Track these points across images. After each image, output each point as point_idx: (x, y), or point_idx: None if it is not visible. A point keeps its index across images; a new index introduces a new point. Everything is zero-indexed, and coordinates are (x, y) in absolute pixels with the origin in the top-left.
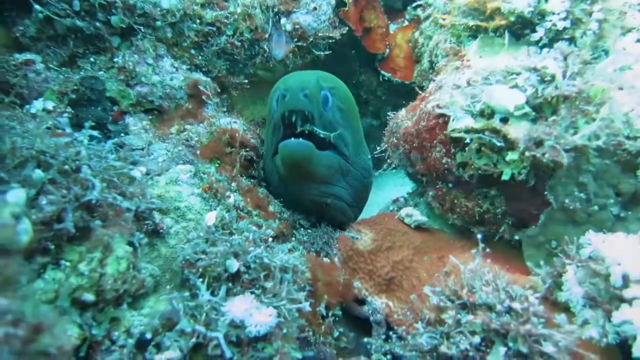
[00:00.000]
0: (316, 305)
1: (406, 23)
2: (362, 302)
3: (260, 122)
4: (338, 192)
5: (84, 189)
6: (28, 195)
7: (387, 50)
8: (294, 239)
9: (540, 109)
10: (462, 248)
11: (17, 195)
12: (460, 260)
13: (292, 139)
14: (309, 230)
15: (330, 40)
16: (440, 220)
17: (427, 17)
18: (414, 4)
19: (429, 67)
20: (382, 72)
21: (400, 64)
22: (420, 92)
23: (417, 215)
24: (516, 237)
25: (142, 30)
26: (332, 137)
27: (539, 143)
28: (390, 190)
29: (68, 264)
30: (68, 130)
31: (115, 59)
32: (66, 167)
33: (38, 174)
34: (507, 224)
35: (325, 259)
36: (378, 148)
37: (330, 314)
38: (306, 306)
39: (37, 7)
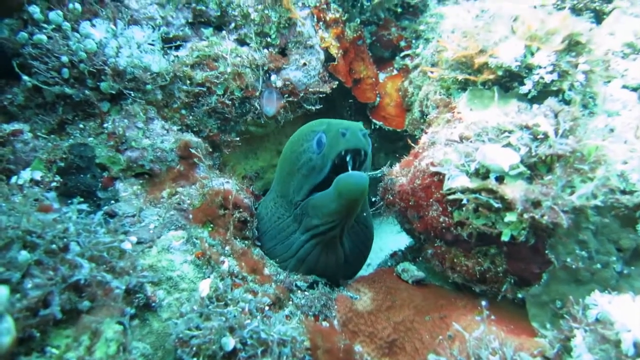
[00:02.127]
0: None
1: (395, 72)
2: None
3: (253, 177)
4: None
5: (72, 269)
6: (12, 281)
7: (378, 99)
8: (290, 303)
9: (535, 168)
10: (465, 307)
11: None
12: (463, 324)
13: (351, 171)
14: (306, 293)
15: (320, 95)
16: (441, 276)
17: (415, 67)
18: (402, 54)
19: (420, 117)
20: (374, 120)
21: (392, 112)
22: (412, 143)
23: (413, 270)
24: (519, 296)
25: (132, 94)
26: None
27: (536, 204)
28: (388, 238)
29: (55, 351)
30: (55, 205)
31: (105, 125)
32: (53, 246)
33: (24, 255)
34: (509, 282)
35: (325, 323)
36: (373, 199)
37: None
38: None
39: (25, 77)
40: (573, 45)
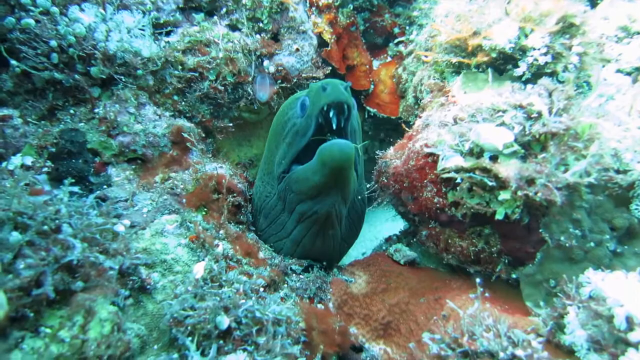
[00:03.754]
0: (312, 357)
1: (389, 59)
2: (359, 349)
3: (247, 164)
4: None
5: (64, 250)
6: (4, 261)
7: (372, 86)
8: (285, 286)
9: (529, 146)
10: (459, 289)
11: None
12: (458, 303)
13: (335, 139)
14: (301, 276)
15: (314, 80)
16: (435, 258)
17: (409, 53)
18: (396, 41)
19: (414, 103)
20: (368, 107)
21: (385, 100)
22: (406, 128)
23: (406, 250)
24: (513, 276)
25: (123, 79)
26: (360, 146)
27: (530, 181)
28: (381, 225)
29: (48, 330)
30: (47, 187)
31: (96, 110)
32: (45, 227)
33: (15, 236)
34: (503, 262)
35: (320, 306)
36: (367, 185)
37: None
38: None
39: (13, 62)
40: (567, 27)
